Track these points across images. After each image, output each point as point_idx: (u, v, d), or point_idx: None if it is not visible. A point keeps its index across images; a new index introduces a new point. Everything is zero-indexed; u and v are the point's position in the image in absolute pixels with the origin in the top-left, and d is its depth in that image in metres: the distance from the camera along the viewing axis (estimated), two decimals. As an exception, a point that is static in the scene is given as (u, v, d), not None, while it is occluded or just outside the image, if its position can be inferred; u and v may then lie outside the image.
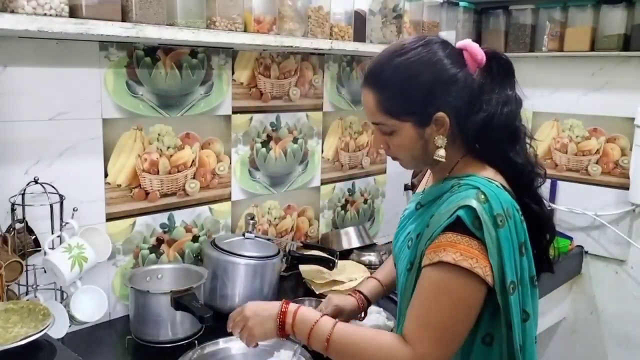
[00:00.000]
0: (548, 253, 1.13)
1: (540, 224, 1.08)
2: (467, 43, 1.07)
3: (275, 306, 1.12)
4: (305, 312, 1.10)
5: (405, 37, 1.97)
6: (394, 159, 1.16)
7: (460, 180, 1.04)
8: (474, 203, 0.96)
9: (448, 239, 0.96)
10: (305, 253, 1.84)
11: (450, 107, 1.03)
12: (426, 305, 0.99)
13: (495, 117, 1.03)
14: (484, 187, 0.99)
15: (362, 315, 1.39)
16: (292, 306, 1.11)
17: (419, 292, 1.01)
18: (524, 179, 1.07)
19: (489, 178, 1.03)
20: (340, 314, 1.30)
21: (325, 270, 1.75)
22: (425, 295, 0.99)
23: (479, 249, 0.95)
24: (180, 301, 1.35)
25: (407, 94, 1.04)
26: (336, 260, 1.72)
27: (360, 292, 1.38)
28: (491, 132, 1.04)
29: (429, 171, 1.27)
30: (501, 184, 1.04)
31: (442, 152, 1.05)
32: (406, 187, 2.41)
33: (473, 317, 0.99)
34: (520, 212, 1.03)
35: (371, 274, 1.81)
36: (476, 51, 1.05)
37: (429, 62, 1.03)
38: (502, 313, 0.99)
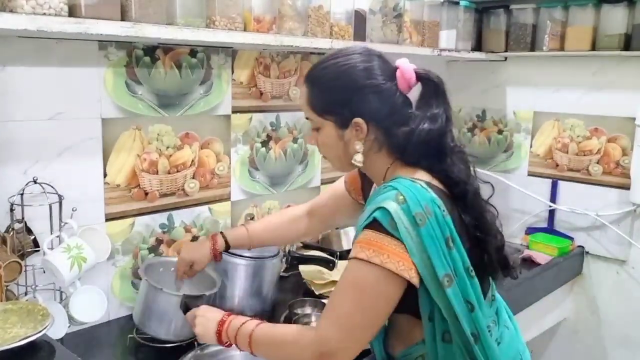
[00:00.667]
0: (501, 257, 1.14)
1: (476, 236, 1.09)
2: (401, 62, 1.13)
3: (220, 314, 1.18)
4: (235, 319, 1.16)
5: (406, 36, 1.97)
6: (324, 158, 1.23)
7: (387, 183, 1.08)
8: (390, 204, 1.00)
9: (365, 237, 1.01)
10: (305, 253, 1.83)
11: (369, 114, 1.09)
12: (337, 295, 1.05)
13: (416, 132, 1.07)
14: (403, 188, 1.02)
15: (218, 258, 1.45)
16: (233, 317, 1.16)
17: (337, 288, 1.06)
18: (459, 188, 1.09)
19: (414, 178, 1.07)
20: (194, 264, 1.43)
21: (325, 270, 1.75)
22: (339, 287, 1.05)
23: (399, 248, 0.99)
24: (191, 306, 1.32)
25: (330, 93, 1.13)
26: (336, 261, 1.71)
27: (223, 234, 1.45)
28: (413, 146, 1.08)
29: None
30: (428, 183, 1.06)
31: (359, 157, 1.11)
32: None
33: (383, 310, 1.02)
34: (444, 208, 1.04)
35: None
36: (406, 70, 1.11)
37: (356, 68, 1.10)
38: (443, 308, 1.02)
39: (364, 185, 1.35)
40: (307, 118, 1.19)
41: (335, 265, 1.70)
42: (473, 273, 1.06)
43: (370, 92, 1.09)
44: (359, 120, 1.10)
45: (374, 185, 1.26)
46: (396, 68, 1.12)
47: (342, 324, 1.01)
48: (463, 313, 1.03)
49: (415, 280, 1.00)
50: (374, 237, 1.00)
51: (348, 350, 1.03)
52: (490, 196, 1.18)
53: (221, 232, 1.46)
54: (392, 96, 1.10)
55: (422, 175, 1.08)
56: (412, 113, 1.10)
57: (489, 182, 1.20)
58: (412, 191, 1.02)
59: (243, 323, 1.13)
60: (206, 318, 1.18)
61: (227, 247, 1.46)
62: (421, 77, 1.12)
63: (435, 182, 1.08)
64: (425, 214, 1.00)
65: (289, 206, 2.01)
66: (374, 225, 1.01)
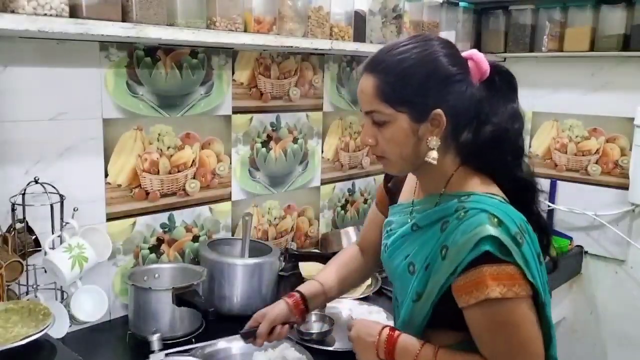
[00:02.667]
0: (550, 254, 1.12)
1: (540, 231, 1.07)
2: (474, 52, 1.04)
3: (376, 331, 1.10)
4: (405, 340, 1.06)
5: (405, 37, 1.97)
6: (379, 158, 1.08)
7: (464, 204, 1.00)
8: (492, 231, 0.93)
9: (486, 273, 0.94)
10: (304, 251, 1.83)
11: (449, 107, 0.99)
12: (496, 340, 0.98)
13: (506, 131, 1.01)
14: (493, 209, 0.96)
15: (300, 320, 1.29)
16: (394, 335, 1.08)
17: (482, 335, 0.99)
18: (528, 194, 1.05)
19: (491, 194, 1.01)
20: (276, 323, 1.25)
21: (322, 264, 1.75)
22: (490, 335, 0.98)
23: (517, 273, 0.94)
24: (183, 297, 1.35)
25: (408, 81, 0.99)
26: None
27: (300, 292, 1.30)
28: (499, 146, 1.01)
29: (410, 177, 1.21)
30: (503, 198, 1.02)
31: (434, 154, 1.01)
32: (406, 187, 2.41)
33: (538, 329, 0.99)
34: (529, 225, 1.01)
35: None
36: (482, 61, 1.02)
37: (432, 55, 1.00)
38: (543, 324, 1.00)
39: (391, 201, 1.26)
40: (368, 112, 1.04)
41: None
42: (549, 289, 1.03)
43: (450, 81, 0.99)
44: (439, 111, 0.99)
45: (410, 186, 1.18)
46: (467, 59, 1.03)
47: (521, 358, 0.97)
48: (555, 328, 1.03)
49: (528, 296, 0.97)
50: (495, 271, 0.94)
51: None
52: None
53: (297, 291, 1.30)
54: (468, 89, 1.00)
55: (494, 189, 1.02)
56: (496, 110, 1.01)
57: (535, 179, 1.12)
58: (502, 210, 0.97)
59: (418, 352, 1.03)
60: (363, 342, 1.11)
61: (305, 307, 1.29)
62: (495, 69, 1.04)
63: (502, 195, 1.02)
64: (522, 233, 0.96)
65: (289, 206, 2.01)
66: (486, 258, 0.94)
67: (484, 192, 1.01)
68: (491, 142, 1.01)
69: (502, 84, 1.05)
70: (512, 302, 0.94)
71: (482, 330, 0.99)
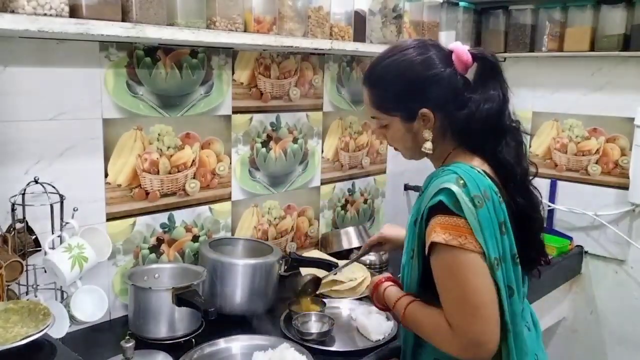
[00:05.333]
0: (540, 245, 1.19)
1: (525, 215, 1.13)
2: (455, 45, 1.16)
3: (373, 284, 1.30)
4: (390, 290, 1.24)
5: (405, 37, 1.98)
6: (395, 149, 1.27)
7: (445, 167, 1.13)
8: (452, 187, 1.04)
9: (437, 222, 1.05)
10: (305, 255, 1.83)
11: (434, 104, 1.13)
12: (445, 289, 1.07)
13: (476, 114, 1.11)
14: (463, 173, 1.07)
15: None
16: (388, 285, 1.25)
17: (436, 281, 1.09)
18: (507, 173, 1.13)
19: (472, 165, 1.11)
20: (387, 242, 1.52)
21: (324, 270, 1.75)
22: (441, 281, 1.08)
23: (466, 227, 1.03)
24: (183, 297, 1.35)
25: (393, 91, 1.16)
26: (338, 263, 1.69)
27: None
28: (473, 127, 1.12)
29: None
30: (484, 171, 1.11)
31: (428, 145, 1.16)
32: (406, 187, 2.42)
33: (487, 285, 1.04)
34: (500, 195, 1.08)
35: (371, 274, 1.83)
36: (462, 52, 1.14)
37: (415, 62, 1.14)
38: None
39: None
40: (372, 117, 1.23)
41: (337, 270, 1.67)
42: (518, 260, 1.09)
43: (433, 82, 1.13)
44: (425, 111, 1.14)
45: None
46: (451, 52, 1.15)
47: (470, 311, 1.03)
48: (505, 297, 1.06)
49: (477, 251, 1.03)
50: (445, 221, 1.04)
51: (490, 335, 1.03)
52: (534, 176, 1.20)
53: None
54: (453, 81, 1.13)
55: (479, 163, 1.13)
56: (472, 96, 1.12)
57: (533, 163, 1.22)
58: (471, 175, 1.07)
59: (399, 298, 1.19)
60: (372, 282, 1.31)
61: None
62: (477, 57, 1.15)
63: (488, 170, 1.12)
64: (483, 198, 1.05)
65: (289, 206, 2.02)
66: (440, 208, 1.05)
67: (466, 163, 1.12)
68: (466, 125, 1.12)
69: (484, 70, 1.15)
70: (457, 251, 1.03)
71: (436, 278, 1.09)
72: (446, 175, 1.08)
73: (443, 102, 1.13)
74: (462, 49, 1.14)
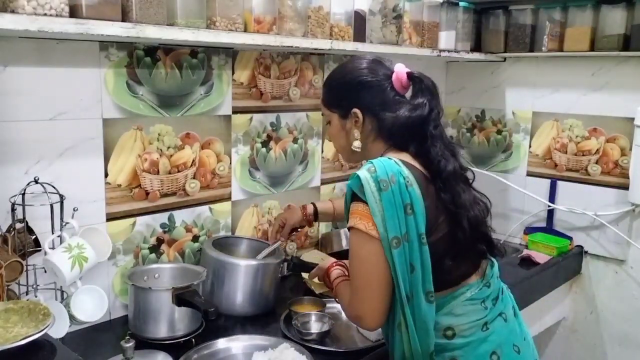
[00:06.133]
0: (480, 234, 1.24)
1: (449, 210, 1.19)
2: (397, 66, 1.29)
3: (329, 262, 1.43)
4: (334, 270, 1.38)
5: (405, 37, 1.98)
6: (336, 150, 1.43)
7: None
8: (362, 173, 1.16)
9: (352, 208, 1.18)
10: (307, 260, 1.83)
11: (365, 106, 1.27)
12: (350, 268, 1.22)
13: (399, 117, 1.24)
14: (376, 162, 1.18)
15: (307, 227, 1.80)
16: (335, 267, 1.39)
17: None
18: (434, 168, 1.22)
19: (391, 157, 1.21)
20: (286, 222, 1.72)
21: None
22: (349, 261, 1.21)
23: (366, 210, 1.14)
24: (183, 297, 1.35)
25: (335, 89, 1.34)
26: None
27: (314, 204, 1.76)
28: (397, 130, 1.25)
29: None
30: (404, 162, 1.19)
31: (357, 144, 1.29)
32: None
33: (375, 269, 1.15)
34: (409, 179, 1.16)
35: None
36: (400, 72, 1.27)
37: (357, 68, 1.29)
38: (390, 266, 1.15)
39: None
40: (322, 115, 1.39)
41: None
42: (425, 240, 1.15)
43: (367, 87, 1.28)
44: (356, 110, 1.28)
45: None
46: (392, 72, 1.30)
47: (354, 289, 1.18)
48: (403, 274, 1.14)
49: (377, 238, 1.13)
50: (355, 206, 1.17)
51: (368, 312, 1.17)
52: (472, 181, 1.30)
53: (312, 203, 1.76)
54: (385, 91, 1.27)
55: (404, 157, 1.22)
56: (400, 105, 1.26)
57: (469, 169, 1.31)
58: (383, 163, 1.17)
59: (336, 277, 1.34)
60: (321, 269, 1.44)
61: (316, 215, 1.74)
62: (412, 77, 1.28)
63: (415, 164, 1.21)
64: (389, 182, 1.14)
65: (289, 206, 2.02)
66: (354, 195, 1.17)
67: (391, 156, 1.21)
68: (391, 126, 1.25)
69: (416, 86, 1.28)
70: (361, 234, 1.15)
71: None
72: (365, 165, 1.18)
73: (372, 106, 1.27)
74: (400, 69, 1.28)
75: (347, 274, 1.33)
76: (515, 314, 1.32)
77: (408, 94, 1.30)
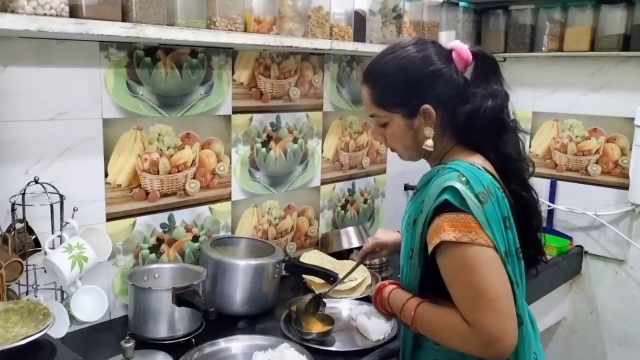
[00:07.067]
0: (538, 243, 1.20)
1: (527, 209, 1.15)
2: (456, 43, 1.17)
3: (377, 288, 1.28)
4: (396, 292, 1.21)
5: (405, 37, 1.98)
6: (392, 150, 1.25)
7: (445, 165, 1.12)
8: (456, 184, 1.04)
9: (444, 220, 1.03)
10: (306, 263, 1.82)
11: (436, 99, 1.13)
12: (459, 286, 1.04)
13: (481, 109, 1.11)
14: (464, 170, 1.07)
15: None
16: (388, 288, 1.24)
17: (446, 280, 1.06)
18: (511, 167, 1.14)
19: (472, 162, 1.11)
20: (383, 249, 1.50)
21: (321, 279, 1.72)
22: (453, 280, 1.05)
23: (475, 223, 1.02)
24: (183, 297, 1.35)
25: (395, 86, 1.16)
26: (338, 277, 1.67)
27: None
28: (477, 123, 1.12)
29: None
30: (484, 167, 1.11)
31: (429, 142, 1.15)
32: (406, 187, 2.41)
33: (502, 277, 1.02)
34: (502, 190, 1.09)
35: (371, 274, 1.83)
36: (462, 50, 1.15)
37: (415, 58, 1.14)
38: None
39: None
40: (371, 116, 1.22)
41: (338, 281, 1.63)
42: (521, 255, 1.10)
43: (434, 78, 1.13)
44: (426, 107, 1.13)
45: None
46: (451, 50, 1.16)
47: (485, 305, 1.00)
48: (516, 290, 1.05)
49: (491, 246, 1.02)
50: (453, 218, 1.02)
51: (509, 329, 1.01)
52: (531, 174, 1.20)
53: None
54: (454, 78, 1.14)
55: (479, 160, 1.12)
56: (476, 91, 1.13)
57: (532, 161, 1.21)
58: (473, 172, 1.07)
59: (407, 300, 1.16)
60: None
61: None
62: (477, 55, 1.16)
63: (489, 167, 1.12)
64: (487, 193, 1.04)
65: (289, 206, 2.02)
66: (446, 206, 1.03)
67: (466, 160, 1.12)
68: (469, 120, 1.12)
69: (483, 66, 1.16)
70: (469, 247, 1.01)
71: (446, 276, 1.06)
72: (447, 174, 1.07)
73: (445, 98, 1.13)
74: (462, 47, 1.15)
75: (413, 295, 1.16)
76: (532, 322, 1.24)
77: (468, 74, 1.17)
